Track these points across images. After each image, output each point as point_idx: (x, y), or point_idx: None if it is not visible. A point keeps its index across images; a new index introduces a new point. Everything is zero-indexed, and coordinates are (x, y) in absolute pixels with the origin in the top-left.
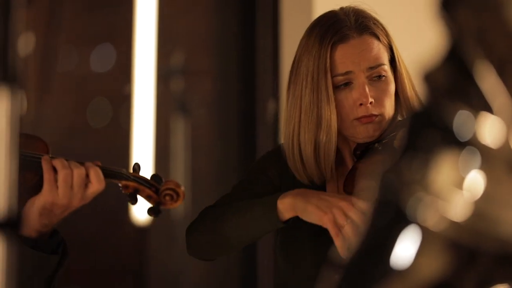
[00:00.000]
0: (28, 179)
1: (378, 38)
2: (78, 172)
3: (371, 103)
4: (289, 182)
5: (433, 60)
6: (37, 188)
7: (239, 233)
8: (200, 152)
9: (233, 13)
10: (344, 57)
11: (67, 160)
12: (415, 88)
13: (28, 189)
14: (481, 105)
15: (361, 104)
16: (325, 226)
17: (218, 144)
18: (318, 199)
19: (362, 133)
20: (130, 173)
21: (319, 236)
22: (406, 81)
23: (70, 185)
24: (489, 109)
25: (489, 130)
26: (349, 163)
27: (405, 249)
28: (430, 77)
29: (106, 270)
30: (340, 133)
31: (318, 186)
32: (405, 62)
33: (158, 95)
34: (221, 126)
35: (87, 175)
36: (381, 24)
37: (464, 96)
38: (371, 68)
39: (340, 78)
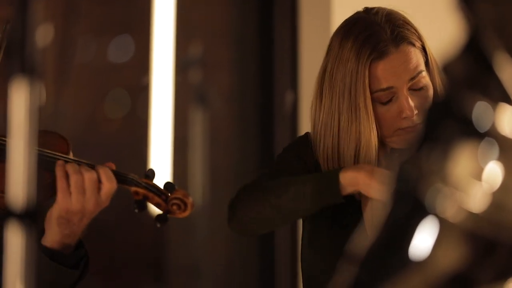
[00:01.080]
0: (45, 178)
1: (413, 45)
2: (89, 176)
3: (416, 114)
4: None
5: (452, 51)
6: (52, 188)
7: (295, 205)
8: (219, 143)
9: (252, 4)
10: (384, 73)
11: (79, 163)
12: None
13: (44, 187)
14: (500, 96)
15: (405, 117)
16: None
17: (236, 135)
18: (377, 173)
19: (403, 141)
20: (142, 179)
21: (349, 227)
22: (438, 78)
23: (82, 190)
24: (508, 100)
25: (507, 121)
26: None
27: (423, 240)
28: (449, 68)
29: (125, 261)
30: (380, 137)
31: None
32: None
33: (176, 86)
34: (239, 117)
35: (99, 179)
36: (413, 27)
37: (483, 87)
38: (412, 78)
39: (381, 93)
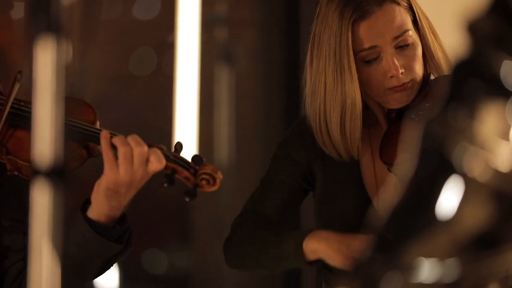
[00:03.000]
0: (70, 148)
1: (398, 3)
2: (139, 150)
3: (402, 73)
4: (318, 160)
5: (478, 9)
6: (79, 158)
7: (269, 264)
8: (244, 101)
9: None
10: (368, 32)
11: (113, 135)
12: (440, 42)
13: (72, 158)
14: None
15: (392, 76)
16: (348, 269)
17: (261, 93)
18: (340, 243)
19: (396, 101)
20: (171, 152)
21: (361, 188)
22: (430, 38)
23: (131, 161)
24: None
25: None
26: (384, 126)
27: (449, 199)
28: (474, 26)
29: (150, 219)
30: (372, 98)
31: (350, 159)
32: (447, 11)
33: (202, 44)
34: (264, 75)
35: (148, 157)
36: None
37: (510, 46)
38: (397, 37)
39: (366, 53)
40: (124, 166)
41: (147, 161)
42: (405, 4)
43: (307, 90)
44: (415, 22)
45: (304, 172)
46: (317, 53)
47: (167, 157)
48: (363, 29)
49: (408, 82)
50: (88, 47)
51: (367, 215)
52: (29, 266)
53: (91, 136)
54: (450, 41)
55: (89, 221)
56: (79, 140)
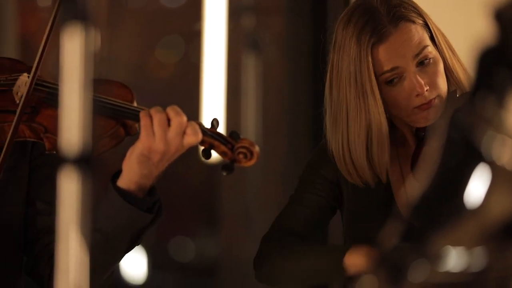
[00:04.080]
0: (108, 127)
1: (413, 22)
2: (178, 119)
3: (427, 90)
4: (346, 180)
5: None
6: (116, 136)
7: (306, 279)
8: (271, 89)
9: None
10: (388, 55)
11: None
12: (458, 58)
13: (109, 136)
14: None
15: (418, 94)
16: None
17: (288, 81)
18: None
19: (424, 119)
20: (207, 128)
21: (394, 209)
22: (448, 54)
23: (165, 128)
24: None
25: None
26: (412, 144)
27: (477, 187)
28: (502, 14)
29: (177, 205)
30: (400, 118)
31: (375, 184)
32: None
33: (229, 32)
34: (291, 63)
35: (185, 128)
36: (411, 4)
37: None
38: (417, 55)
39: (388, 74)
40: (159, 132)
41: (184, 133)
42: (420, 21)
43: (328, 120)
44: (432, 39)
45: (333, 190)
46: (337, 82)
47: (204, 132)
48: (382, 52)
49: (435, 99)
50: (115, 35)
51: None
52: (57, 252)
53: (129, 114)
54: (477, 29)
55: (119, 190)
56: (117, 118)
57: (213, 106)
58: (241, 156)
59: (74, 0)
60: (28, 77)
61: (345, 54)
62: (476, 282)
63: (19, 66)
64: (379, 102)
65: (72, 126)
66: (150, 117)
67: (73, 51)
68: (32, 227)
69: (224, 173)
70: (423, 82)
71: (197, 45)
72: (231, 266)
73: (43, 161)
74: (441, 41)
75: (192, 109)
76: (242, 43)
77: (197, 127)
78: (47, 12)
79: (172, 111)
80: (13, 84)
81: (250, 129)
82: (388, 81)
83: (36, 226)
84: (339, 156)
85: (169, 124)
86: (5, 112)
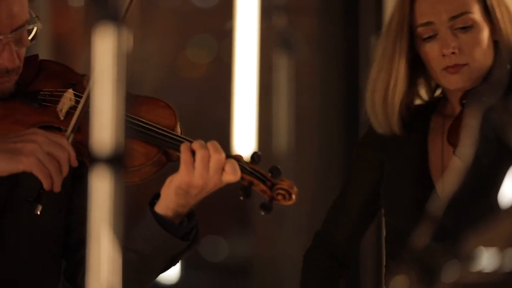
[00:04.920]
0: (151, 154)
1: None
2: (218, 157)
3: (454, 53)
4: (387, 153)
5: None
6: (159, 164)
7: None
8: (303, 88)
9: None
10: (425, 8)
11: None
12: None
13: (149, 165)
14: None
15: (444, 55)
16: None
17: (320, 80)
18: None
19: (452, 83)
20: (248, 164)
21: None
22: (504, 25)
23: (207, 166)
24: None
25: None
26: (457, 113)
27: (511, 186)
28: None
29: (210, 205)
30: (435, 80)
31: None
32: None
33: (261, 31)
34: (323, 63)
35: (224, 165)
36: None
37: None
38: (454, 17)
39: (422, 29)
40: (200, 169)
41: (222, 169)
42: None
43: (372, 73)
44: (485, 5)
45: (380, 173)
46: (384, 29)
47: (244, 169)
48: (421, 4)
49: (463, 65)
50: (147, 34)
51: (429, 200)
52: (88, 252)
53: (172, 144)
54: None
55: (156, 216)
56: (159, 146)
57: (245, 106)
58: (280, 197)
59: (106, 0)
60: (74, 94)
61: (396, 5)
62: (508, 283)
63: (68, 76)
64: (404, 50)
65: (104, 125)
66: (192, 151)
67: (105, 51)
68: (74, 234)
69: (262, 213)
70: (452, 44)
71: (229, 45)
72: (263, 265)
73: (86, 171)
74: (497, 10)
75: (224, 109)
76: (274, 43)
77: (236, 165)
78: (79, 12)
79: (212, 147)
80: (57, 101)
81: (282, 128)
82: (424, 38)
83: (77, 234)
84: (367, 96)
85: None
86: (50, 129)
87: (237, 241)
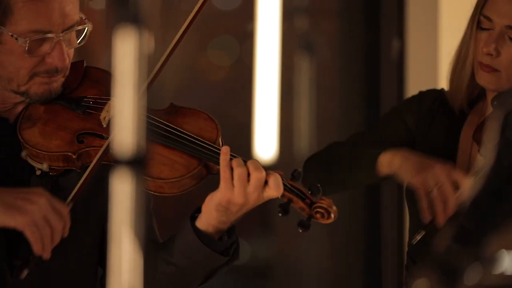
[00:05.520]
0: (191, 166)
1: None
2: (257, 175)
3: (491, 55)
4: (425, 127)
5: None
6: (198, 176)
7: (345, 178)
8: (324, 90)
9: None
10: (498, 5)
11: (245, 161)
12: None
13: (189, 177)
14: None
15: (483, 52)
16: (414, 186)
17: (342, 83)
18: (418, 160)
19: (481, 79)
20: (288, 181)
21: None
22: None
23: (245, 183)
24: None
25: None
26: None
27: None
28: None
29: None
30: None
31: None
32: None
33: (282, 33)
34: (345, 65)
35: (266, 181)
36: None
37: None
38: (510, 27)
39: (483, 18)
40: (239, 187)
41: (264, 186)
42: None
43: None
44: None
45: (409, 134)
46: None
47: (284, 186)
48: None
49: (496, 70)
50: (168, 36)
51: None
52: (109, 254)
53: (212, 157)
54: None
55: (197, 230)
56: (200, 158)
57: (266, 108)
58: (318, 215)
59: (127, 2)
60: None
61: None
62: None
63: (110, 82)
64: (472, 36)
65: (126, 128)
66: (231, 169)
67: (127, 53)
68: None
69: (300, 230)
70: (493, 46)
71: (250, 47)
72: (284, 268)
73: None
74: None
75: (245, 111)
76: (296, 45)
77: (279, 180)
78: (101, 15)
79: (252, 165)
80: (100, 108)
81: (303, 131)
82: (482, 27)
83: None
84: (448, 77)
85: (248, 179)
86: (92, 135)
87: (259, 243)
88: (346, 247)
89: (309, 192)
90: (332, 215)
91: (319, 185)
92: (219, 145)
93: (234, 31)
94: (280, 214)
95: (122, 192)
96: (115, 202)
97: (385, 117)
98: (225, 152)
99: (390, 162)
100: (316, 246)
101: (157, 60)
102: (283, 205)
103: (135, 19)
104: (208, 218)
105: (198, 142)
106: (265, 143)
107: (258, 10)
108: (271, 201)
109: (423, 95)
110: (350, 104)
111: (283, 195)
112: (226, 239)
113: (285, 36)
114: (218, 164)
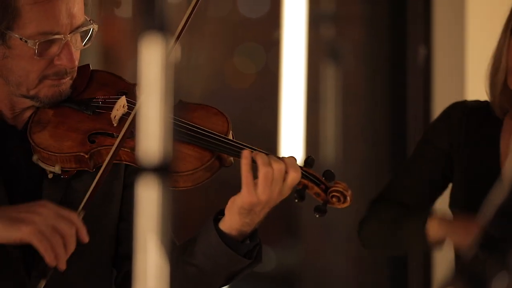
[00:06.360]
0: (204, 159)
1: None
2: (279, 167)
3: None
4: (461, 142)
5: None
6: (211, 169)
7: (394, 244)
8: (350, 98)
9: None
10: None
11: (267, 154)
12: None
13: (202, 169)
14: None
15: None
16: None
17: (368, 90)
18: (460, 225)
19: (510, 83)
20: (302, 167)
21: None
22: None
23: (271, 183)
24: None
25: None
26: None
27: None
28: None
29: None
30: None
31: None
32: None
33: (308, 40)
34: (371, 72)
35: (286, 170)
36: None
37: None
38: None
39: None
40: (263, 186)
41: (285, 177)
42: None
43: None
44: None
45: (445, 158)
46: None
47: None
48: None
49: None
50: (195, 43)
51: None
52: (135, 261)
53: (225, 148)
54: None
55: (220, 233)
56: (213, 150)
57: (292, 115)
58: (334, 199)
59: (153, 10)
60: (127, 101)
61: None
62: None
63: (119, 85)
64: (506, 41)
65: (152, 135)
66: (251, 170)
67: (153, 61)
68: (124, 243)
69: (317, 215)
70: None
71: (277, 54)
72: (311, 275)
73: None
74: None
75: (271, 119)
76: (322, 52)
77: (295, 161)
78: (127, 23)
79: (272, 159)
80: (110, 108)
81: (329, 138)
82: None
83: (128, 243)
84: (485, 82)
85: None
86: (103, 135)
87: (285, 251)
88: (372, 255)
89: (324, 178)
90: (348, 199)
91: (332, 170)
92: (230, 138)
93: (260, 38)
94: (296, 200)
95: (148, 198)
96: (141, 208)
97: (415, 154)
98: (246, 156)
99: (438, 228)
100: (342, 254)
101: (184, 67)
102: (299, 191)
103: (161, 27)
104: (232, 221)
105: (209, 134)
106: (291, 150)
107: (284, 18)
108: (296, 209)
109: (449, 112)
110: (376, 111)
111: (298, 182)
112: (249, 242)
113: (311, 44)
114: (231, 155)
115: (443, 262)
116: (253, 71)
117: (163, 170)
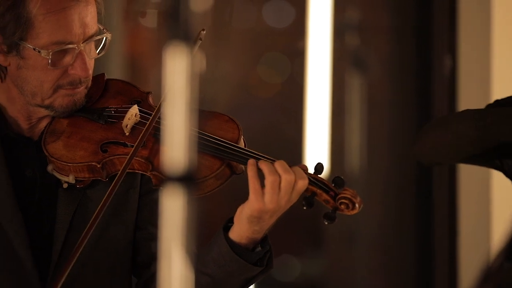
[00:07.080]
0: (214, 167)
1: None
2: (288, 178)
3: None
4: None
5: None
6: (221, 177)
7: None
8: (376, 108)
9: None
10: None
11: (272, 162)
12: None
13: (213, 177)
14: None
15: None
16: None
17: (393, 101)
18: None
19: None
20: (311, 174)
21: None
22: None
23: (278, 190)
24: None
25: None
26: None
27: None
28: None
29: (284, 224)
30: None
31: None
32: None
33: (333, 50)
34: (396, 83)
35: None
36: None
37: None
38: None
39: None
40: (270, 195)
41: (293, 186)
42: None
43: None
44: None
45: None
46: None
47: (308, 180)
48: None
49: None
50: (220, 53)
51: None
52: (159, 270)
53: (235, 156)
54: None
55: (230, 241)
56: (223, 158)
57: (317, 125)
58: (343, 206)
59: (178, 20)
60: (139, 109)
61: None
62: None
63: (133, 93)
64: None
65: (177, 145)
66: (258, 177)
67: (178, 71)
68: (143, 251)
69: (326, 222)
70: None
71: (302, 64)
72: (335, 286)
73: (152, 187)
74: None
75: (296, 129)
76: (347, 62)
77: (302, 171)
78: (153, 33)
79: (280, 168)
80: (122, 117)
81: (354, 148)
82: None
83: (147, 251)
84: None
85: (280, 185)
86: (116, 144)
87: (309, 260)
88: (396, 264)
89: (333, 185)
90: (357, 205)
91: (342, 177)
92: (241, 145)
93: (285, 48)
94: (304, 208)
95: (173, 208)
96: (166, 218)
97: None
98: (252, 163)
99: None
100: (365, 265)
101: (209, 77)
102: (307, 198)
103: (186, 37)
104: (241, 229)
105: (219, 142)
106: (316, 160)
107: (309, 28)
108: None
109: None
110: (402, 121)
111: (307, 189)
112: (260, 249)
113: (336, 53)
114: (241, 163)
115: (469, 274)
116: (278, 81)
117: (188, 180)
